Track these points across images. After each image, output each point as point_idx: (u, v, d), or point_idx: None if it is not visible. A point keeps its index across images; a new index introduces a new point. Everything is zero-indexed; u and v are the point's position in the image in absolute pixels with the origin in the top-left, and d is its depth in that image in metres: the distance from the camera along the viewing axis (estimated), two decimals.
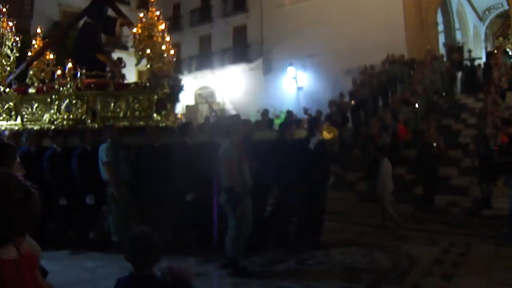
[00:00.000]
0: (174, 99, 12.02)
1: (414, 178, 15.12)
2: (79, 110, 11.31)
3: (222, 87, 36.92)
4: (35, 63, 13.65)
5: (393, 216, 11.65)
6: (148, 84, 11.29)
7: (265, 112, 18.44)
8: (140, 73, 35.49)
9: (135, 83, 12.11)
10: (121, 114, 11.40)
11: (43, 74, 13.79)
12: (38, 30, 14.67)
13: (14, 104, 12.23)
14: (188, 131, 10.26)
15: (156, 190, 9.55)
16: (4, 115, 12.26)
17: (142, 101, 11.33)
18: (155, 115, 11.15)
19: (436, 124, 15.41)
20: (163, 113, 11.18)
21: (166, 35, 11.75)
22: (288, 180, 9.50)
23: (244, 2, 37.25)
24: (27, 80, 13.42)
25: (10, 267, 2.23)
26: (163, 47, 11.45)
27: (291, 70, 32.73)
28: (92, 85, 11.59)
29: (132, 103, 11.37)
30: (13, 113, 12.17)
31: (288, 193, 9.73)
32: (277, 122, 21.67)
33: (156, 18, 11.49)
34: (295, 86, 32.85)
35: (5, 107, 12.26)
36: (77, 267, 8.86)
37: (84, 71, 11.61)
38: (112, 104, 11.51)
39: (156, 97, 11.17)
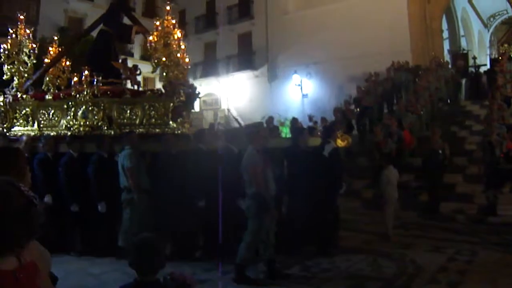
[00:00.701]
0: (190, 106, 12.05)
1: (419, 185, 15.09)
2: (96, 117, 11.32)
3: (227, 94, 36.97)
4: (51, 69, 13.70)
5: (388, 228, 11.50)
6: (164, 91, 11.31)
7: (270, 119, 18.45)
8: (145, 80, 35.58)
9: (151, 90, 12.14)
10: (137, 121, 11.42)
11: (58, 80, 13.86)
12: (55, 38, 14.74)
13: (31, 110, 12.26)
14: (203, 138, 10.36)
15: (173, 196, 9.51)
16: (21, 121, 12.30)
17: (158, 108, 11.34)
18: (171, 122, 11.14)
19: (441, 131, 15.39)
20: (179, 120, 11.18)
21: (182, 43, 11.78)
22: (300, 187, 9.51)
23: (249, 9, 37.37)
24: (43, 87, 13.46)
25: (8, 278, 2.19)
26: (178, 55, 11.47)
27: (296, 78, 32.77)
28: (109, 92, 11.62)
29: (148, 110, 11.38)
30: (30, 119, 12.20)
31: (300, 200, 9.68)
32: (283, 129, 21.75)
33: (172, 26, 11.51)
34: (300, 93, 32.84)
35: (22, 112, 12.30)
36: (82, 272, 8.87)
37: (100, 78, 11.64)
38: (128, 111, 11.54)
39: (172, 104, 11.17)
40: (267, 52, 35.77)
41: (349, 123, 19.68)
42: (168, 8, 11.66)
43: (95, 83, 11.44)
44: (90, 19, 36.63)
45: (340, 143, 11.05)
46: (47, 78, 13.63)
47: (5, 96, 12.46)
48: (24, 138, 10.78)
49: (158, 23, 11.48)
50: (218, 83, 37.39)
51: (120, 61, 13.98)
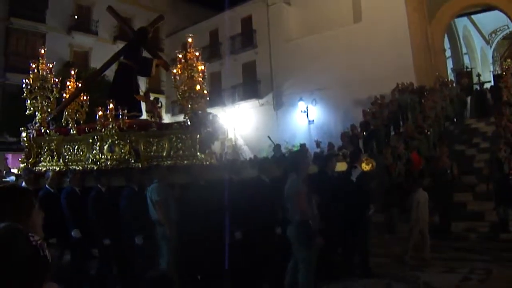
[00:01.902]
0: (215, 137, 12.07)
1: (429, 205, 15.05)
2: (122, 150, 11.30)
3: (234, 123, 37.07)
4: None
5: (408, 250, 11.44)
6: (190, 123, 11.32)
7: (277, 147, 18.48)
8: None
9: (178, 122, 12.07)
10: (165, 154, 11.37)
11: (77, 114, 13.84)
12: (72, 72, 14.78)
13: (55, 144, 12.19)
14: (234, 168, 10.42)
15: (205, 228, 9.44)
16: (45, 156, 12.25)
17: (185, 140, 11.33)
18: (198, 153, 11.14)
19: (449, 151, 15.39)
20: (207, 151, 11.22)
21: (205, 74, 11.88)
22: (332, 214, 9.58)
23: (252, 38, 37.70)
24: (62, 121, 13.52)
25: None
26: (198, 87, 11.53)
27: (301, 104, 32.92)
28: (135, 126, 11.62)
29: (175, 142, 11.36)
30: (54, 153, 12.13)
31: (332, 227, 9.69)
32: None
33: (195, 58, 11.60)
34: (306, 119, 32.94)
35: (47, 148, 12.26)
36: None
37: (126, 111, 11.65)
38: (155, 144, 11.51)
39: (199, 136, 11.19)
40: (272, 80, 35.99)
41: (357, 147, 19.69)
42: (190, 40, 11.76)
43: (120, 116, 11.44)
44: (94, 53, 37.35)
45: (365, 167, 11.17)
46: (66, 113, 13.64)
47: (28, 131, 12.49)
48: (50, 173, 10.68)
49: (180, 55, 11.58)
50: (224, 112, 37.45)
51: (143, 94, 14.08)
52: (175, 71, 11.49)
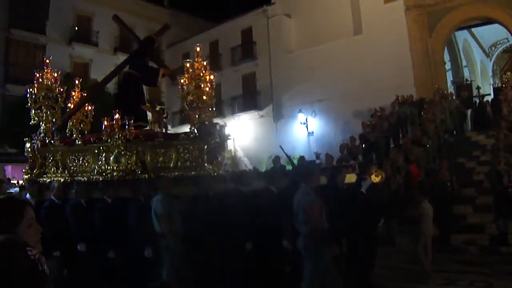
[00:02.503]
0: (222, 148, 11.98)
1: None
2: (129, 161, 11.13)
3: (233, 134, 37.02)
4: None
5: (424, 263, 11.09)
6: (197, 133, 11.27)
7: (276, 159, 18.45)
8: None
9: (185, 133, 12.01)
10: (171, 164, 11.31)
11: (82, 125, 13.87)
12: (76, 82, 14.81)
13: (60, 155, 12.10)
14: (242, 180, 10.27)
15: (214, 240, 9.33)
16: (50, 167, 12.14)
17: (192, 151, 11.29)
18: (206, 164, 11.10)
19: (448, 163, 15.36)
20: (214, 162, 11.12)
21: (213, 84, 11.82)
22: (341, 224, 9.51)
23: (252, 49, 37.77)
24: (67, 131, 13.43)
25: None
26: (204, 97, 11.47)
27: (301, 116, 33.00)
28: (141, 136, 11.52)
29: (182, 153, 11.31)
30: (59, 164, 12.02)
31: (341, 236, 9.70)
32: (289, 167, 21.71)
33: (203, 68, 11.54)
34: (306, 131, 32.98)
35: (51, 159, 12.16)
36: None
37: (132, 121, 11.53)
38: (162, 155, 11.42)
39: (206, 146, 11.17)
40: (272, 91, 36.04)
41: (356, 159, 19.66)
42: (198, 49, 11.69)
43: (126, 127, 11.33)
44: (95, 64, 37.41)
45: (374, 178, 11.16)
46: (70, 123, 13.59)
47: (33, 141, 12.38)
48: (56, 184, 10.46)
49: (188, 65, 11.53)
50: (224, 124, 37.48)
51: (149, 104, 14.05)
52: (182, 81, 11.47)
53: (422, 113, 22.24)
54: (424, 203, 11.35)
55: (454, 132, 23.34)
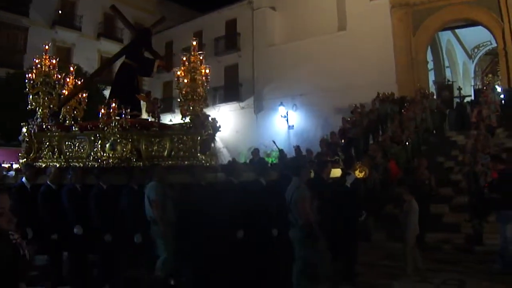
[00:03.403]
0: (213, 139, 12.12)
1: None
2: (124, 149, 11.26)
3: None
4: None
5: (417, 261, 10.99)
6: (191, 125, 11.38)
7: (255, 151, 18.41)
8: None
9: (180, 123, 12.18)
10: (165, 154, 11.43)
11: (75, 111, 13.84)
12: (71, 68, 14.64)
13: (57, 141, 12.07)
14: (234, 170, 10.54)
15: (205, 229, 9.46)
16: (46, 152, 12.07)
17: (186, 141, 11.42)
18: (199, 154, 11.21)
19: (427, 162, 15.41)
20: (207, 153, 11.25)
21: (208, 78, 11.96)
22: (328, 218, 9.58)
23: (236, 41, 37.71)
24: (60, 117, 13.38)
25: None
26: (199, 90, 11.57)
27: (282, 109, 32.99)
28: (137, 125, 11.66)
29: (176, 143, 11.43)
30: (56, 150, 11.99)
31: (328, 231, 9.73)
32: (269, 160, 21.70)
33: (199, 61, 11.62)
34: (286, 124, 32.99)
35: (47, 144, 12.09)
36: None
37: (129, 110, 11.61)
38: (156, 144, 11.54)
39: (199, 137, 11.28)
40: (253, 84, 36.01)
41: (335, 155, 19.67)
42: (194, 43, 11.74)
43: (123, 115, 11.43)
44: (78, 49, 37.03)
45: (358, 174, 11.28)
46: (64, 110, 13.56)
47: (29, 126, 12.33)
48: (52, 169, 10.70)
49: (185, 58, 11.59)
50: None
51: (144, 94, 14.15)
52: (178, 73, 11.57)
53: (403, 111, 22.34)
54: (413, 202, 11.25)
55: (434, 132, 23.43)
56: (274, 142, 18.94)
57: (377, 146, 18.69)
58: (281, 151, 18.41)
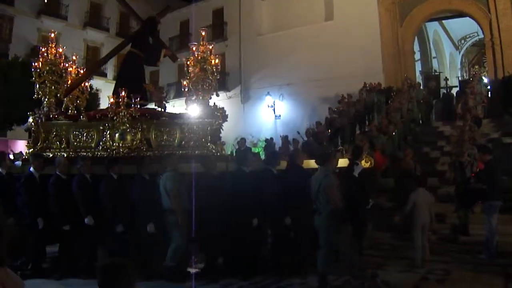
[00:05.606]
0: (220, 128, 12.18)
1: (392, 206, 15.05)
2: (134, 139, 11.33)
3: None
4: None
5: (425, 251, 11.00)
6: (202, 114, 11.51)
7: (242, 141, 18.40)
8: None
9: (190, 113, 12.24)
10: (175, 143, 11.51)
11: (78, 101, 13.75)
12: (74, 58, 14.58)
13: (65, 130, 12.02)
14: (245, 160, 10.60)
15: (217, 217, 9.59)
16: (53, 142, 12.01)
17: (196, 131, 11.52)
18: (209, 144, 11.29)
19: (413, 152, 15.43)
20: (218, 142, 11.32)
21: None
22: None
23: (223, 30, 37.53)
24: (62, 107, 13.27)
25: None
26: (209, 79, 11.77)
27: (268, 99, 32.92)
28: (146, 114, 11.70)
29: (186, 132, 11.51)
30: (63, 139, 11.94)
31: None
32: (255, 150, 21.68)
33: (208, 52, 11.78)
34: (273, 114, 32.93)
35: (54, 133, 12.01)
36: None
37: (138, 100, 11.69)
38: (166, 133, 11.62)
39: (209, 128, 11.39)
40: (240, 73, 35.91)
41: (321, 144, 19.66)
42: (203, 33, 11.78)
43: (132, 105, 11.45)
44: (63, 38, 36.51)
45: (364, 164, 11.33)
46: (66, 99, 13.43)
47: (36, 116, 12.20)
48: (61, 159, 10.53)
49: (194, 48, 11.73)
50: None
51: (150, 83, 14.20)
52: (188, 62, 11.87)
53: (389, 101, 22.36)
54: (416, 193, 11.11)
55: (420, 122, 23.46)
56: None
57: (364, 136, 18.71)
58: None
